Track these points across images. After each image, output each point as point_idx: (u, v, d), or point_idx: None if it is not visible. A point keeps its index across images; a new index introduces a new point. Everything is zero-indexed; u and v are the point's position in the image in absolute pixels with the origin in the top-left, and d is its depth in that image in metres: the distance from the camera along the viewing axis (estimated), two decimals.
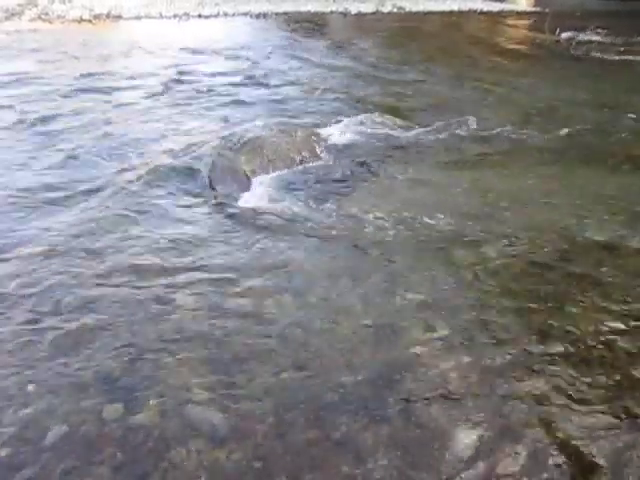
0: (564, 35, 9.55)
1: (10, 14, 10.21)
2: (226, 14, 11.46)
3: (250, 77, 6.61)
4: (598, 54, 8.62)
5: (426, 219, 3.34)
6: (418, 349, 2.28)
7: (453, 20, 12.23)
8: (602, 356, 2.28)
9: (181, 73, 6.69)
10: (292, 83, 6.43)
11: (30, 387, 2.03)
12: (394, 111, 5.37)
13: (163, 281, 2.67)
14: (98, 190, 3.56)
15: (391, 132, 4.84)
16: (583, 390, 2.10)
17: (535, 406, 2.03)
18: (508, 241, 3.12)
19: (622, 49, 8.81)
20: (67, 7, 10.80)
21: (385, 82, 6.73)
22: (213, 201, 3.50)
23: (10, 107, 5.13)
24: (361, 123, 4.98)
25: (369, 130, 4.86)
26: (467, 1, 14.31)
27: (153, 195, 3.54)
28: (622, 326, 2.45)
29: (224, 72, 6.82)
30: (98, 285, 2.62)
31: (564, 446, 1.88)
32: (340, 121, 5.00)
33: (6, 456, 1.78)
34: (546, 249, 3.05)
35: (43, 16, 10.16)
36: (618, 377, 2.17)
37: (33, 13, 10.28)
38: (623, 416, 2.00)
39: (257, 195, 3.60)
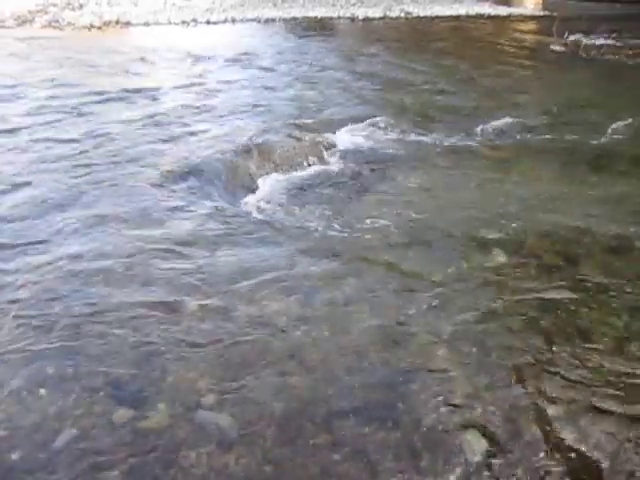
0: (572, 38, 9.52)
1: (21, 21, 10.30)
2: (234, 20, 11.49)
3: (258, 82, 6.63)
4: (606, 57, 8.58)
5: (434, 223, 3.34)
6: (426, 353, 2.28)
7: (461, 24, 12.22)
8: (612, 360, 2.26)
9: (190, 78, 6.72)
10: (300, 88, 6.45)
11: (40, 391, 2.05)
12: (402, 115, 5.38)
13: (169, 284, 2.69)
14: (101, 196, 3.59)
15: (399, 136, 4.84)
16: (593, 395, 2.09)
17: (545, 411, 2.02)
18: (517, 244, 3.11)
19: (630, 52, 8.77)
20: (77, 14, 10.89)
21: (394, 86, 6.73)
22: (221, 205, 3.52)
23: (20, 113, 5.17)
24: (369, 127, 4.99)
25: (377, 134, 4.86)
26: (475, 5, 14.30)
27: (160, 198, 3.56)
28: (632, 330, 2.44)
29: (233, 77, 6.85)
30: (105, 288, 2.64)
31: (573, 451, 1.87)
32: (348, 126, 5.01)
33: (17, 460, 1.79)
34: (554, 252, 3.04)
35: (54, 23, 10.24)
36: (629, 383, 2.16)
37: (44, 20, 10.37)
38: (635, 423, 1.98)
39: (264, 199, 3.61)
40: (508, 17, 13.55)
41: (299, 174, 4.03)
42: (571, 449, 1.88)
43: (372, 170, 4.13)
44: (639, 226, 3.31)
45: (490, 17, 13.28)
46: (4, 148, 4.28)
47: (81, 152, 4.25)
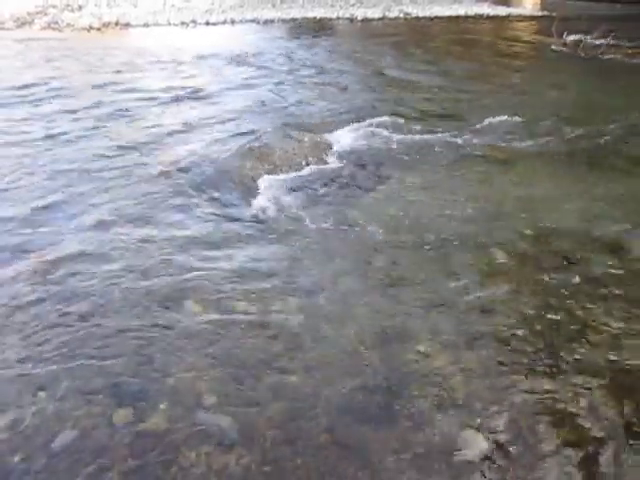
0: (571, 38, 9.52)
1: (21, 23, 10.31)
2: (233, 21, 11.50)
3: (258, 83, 6.64)
4: (605, 57, 8.60)
5: (433, 222, 3.34)
6: (425, 353, 2.28)
7: (460, 25, 12.23)
8: (611, 359, 2.27)
9: (190, 79, 6.73)
10: (299, 89, 6.45)
11: (41, 393, 2.05)
12: (402, 115, 5.38)
13: (170, 284, 2.69)
14: (108, 197, 3.59)
15: (399, 137, 4.84)
16: (592, 394, 2.09)
17: (544, 410, 2.02)
18: (515, 244, 3.12)
19: (629, 52, 8.79)
20: (76, 15, 10.89)
21: (393, 87, 6.74)
22: (222, 205, 3.52)
23: (23, 115, 5.18)
24: (368, 128, 4.99)
25: (377, 135, 4.86)
26: (474, 6, 14.33)
27: (162, 199, 3.57)
28: (631, 328, 2.44)
29: (233, 78, 6.86)
30: (106, 289, 2.64)
31: (575, 451, 1.87)
32: (348, 126, 5.01)
33: (18, 461, 1.80)
34: (553, 252, 3.04)
35: (53, 25, 10.25)
36: (627, 381, 2.16)
37: (43, 22, 10.38)
38: (635, 421, 1.99)
39: (264, 199, 3.62)
40: (507, 17, 13.57)
41: (300, 174, 4.03)
42: (572, 447, 1.88)
43: (372, 170, 4.14)
44: (637, 225, 3.31)
45: (489, 17, 13.29)
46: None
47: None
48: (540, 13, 14.14)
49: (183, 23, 11.09)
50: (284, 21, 11.71)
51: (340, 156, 4.38)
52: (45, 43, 8.76)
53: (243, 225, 3.31)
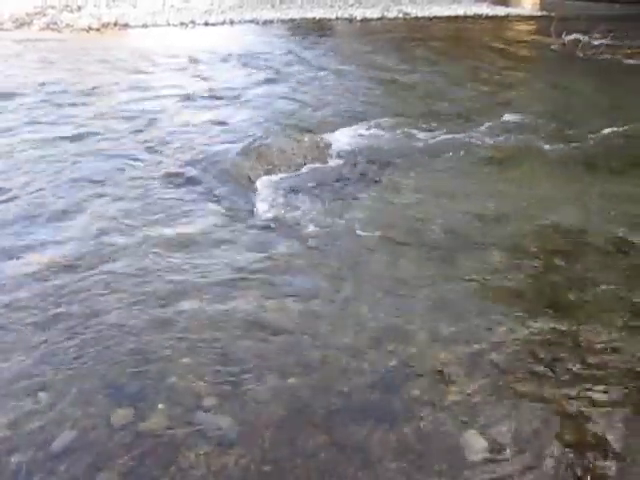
0: (570, 38, 9.51)
1: (19, 23, 10.29)
2: (232, 21, 11.48)
3: (258, 84, 6.64)
4: (604, 57, 8.60)
5: (432, 222, 3.35)
6: (425, 353, 2.29)
7: (459, 25, 12.22)
8: (609, 358, 2.27)
9: (189, 80, 6.73)
10: (300, 89, 6.45)
11: (40, 394, 2.05)
12: (401, 116, 5.37)
13: (169, 285, 2.69)
14: (107, 195, 3.60)
15: (398, 137, 4.84)
16: (594, 395, 2.09)
17: (543, 410, 2.02)
18: (514, 244, 3.12)
19: (628, 52, 8.78)
20: (75, 16, 10.86)
21: (393, 87, 6.74)
22: (222, 206, 3.52)
23: (23, 116, 5.18)
24: (368, 128, 4.99)
25: (376, 135, 4.87)
26: (473, 6, 14.28)
27: (160, 199, 3.57)
28: (629, 328, 2.44)
29: (233, 79, 6.86)
30: (104, 289, 2.64)
31: (574, 450, 1.87)
32: (347, 126, 5.01)
33: (17, 462, 1.79)
34: (552, 252, 3.04)
35: (52, 25, 10.24)
36: (624, 379, 2.16)
37: (42, 22, 10.36)
38: (636, 420, 1.99)
39: (262, 199, 3.62)
40: (506, 17, 13.54)
41: (299, 174, 4.04)
42: (570, 446, 1.88)
43: (370, 171, 4.13)
44: (634, 225, 3.31)
45: (488, 17, 13.27)
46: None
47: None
48: (539, 13, 14.11)
49: (182, 24, 11.06)
50: (283, 22, 11.69)
51: (339, 156, 4.39)
52: (44, 44, 8.75)
53: (243, 225, 3.31)
